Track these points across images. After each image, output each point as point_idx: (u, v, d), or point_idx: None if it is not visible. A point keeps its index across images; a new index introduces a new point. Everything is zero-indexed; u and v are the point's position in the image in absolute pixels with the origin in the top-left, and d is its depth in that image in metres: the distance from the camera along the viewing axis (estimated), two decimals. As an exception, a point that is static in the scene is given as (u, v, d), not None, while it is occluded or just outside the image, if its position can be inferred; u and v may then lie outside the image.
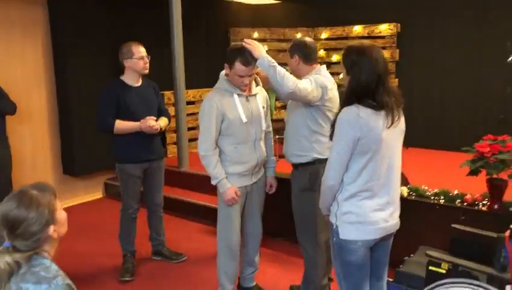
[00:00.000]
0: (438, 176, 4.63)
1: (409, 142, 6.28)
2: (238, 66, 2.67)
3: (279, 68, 2.56)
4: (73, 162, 5.23)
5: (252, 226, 3.08)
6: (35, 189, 1.50)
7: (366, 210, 2.11)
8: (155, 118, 3.46)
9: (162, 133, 3.65)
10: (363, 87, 2.05)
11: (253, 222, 3.07)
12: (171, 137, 6.04)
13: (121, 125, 3.36)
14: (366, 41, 2.28)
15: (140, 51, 3.41)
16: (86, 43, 5.14)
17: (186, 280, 3.52)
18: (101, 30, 5.23)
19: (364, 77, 2.04)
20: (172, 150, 6.06)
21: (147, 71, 3.47)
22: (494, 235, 2.27)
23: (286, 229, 3.84)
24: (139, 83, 3.51)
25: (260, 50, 2.63)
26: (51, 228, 1.49)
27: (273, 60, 2.59)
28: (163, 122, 3.56)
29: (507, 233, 2.15)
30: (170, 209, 4.83)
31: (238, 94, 2.80)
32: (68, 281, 1.47)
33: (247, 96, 2.84)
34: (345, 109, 2.08)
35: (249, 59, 2.65)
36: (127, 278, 3.50)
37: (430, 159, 5.78)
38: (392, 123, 2.07)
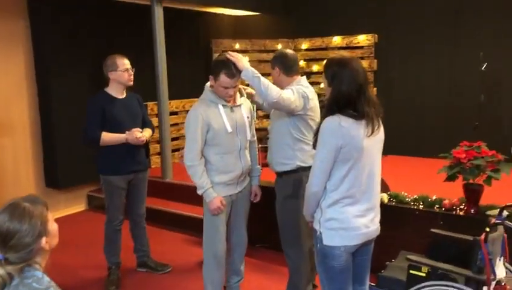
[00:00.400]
0: (417, 182, 4.75)
1: (387, 150, 6.45)
2: (223, 78, 2.74)
3: (263, 79, 2.65)
4: (56, 175, 5.19)
5: (237, 235, 3.12)
6: (27, 201, 1.53)
7: (348, 216, 2.18)
8: (140, 130, 3.50)
9: (146, 145, 3.68)
10: (344, 98, 2.13)
11: (239, 230, 3.11)
12: (154, 148, 6.04)
13: (107, 137, 3.37)
14: (346, 54, 2.37)
15: (125, 63, 3.45)
16: (68, 55, 5.15)
17: (171, 289, 3.54)
18: (83, 42, 5.24)
19: (345, 88, 2.12)
20: (155, 160, 6.07)
21: (132, 83, 3.51)
22: (471, 238, 2.36)
23: (270, 238, 3.91)
24: (124, 95, 3.54)
25: (244, 62, 2.71)
26: (43, 240, 1.52)
27: (256, 71, 2.67)
28: (147, 133, 3.60)
29: (483, 236, 2.24)
30: (154, 221, 4.83)
31: (223, 105, 2.86)
32: None
33: (231, 107, 2.90)
34: (328, 119, 2.15)
35: (233, 71, 2.72)
36: (112, 290, 3.50)
37: (409, 166, 5.92)
38: (372, 132, 2.15)
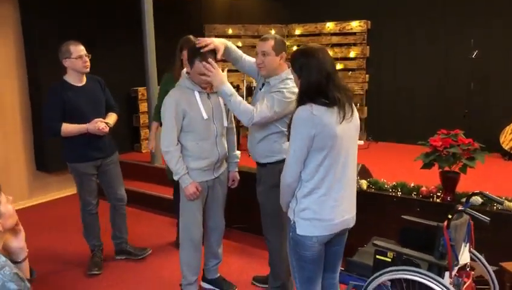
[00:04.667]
0: (402, 169, 4.78)
1: (378, 136, 6.56)
2: (199, 65, 2.75)
3: (239, 98, 2.67)
4: (46, 158, 5.26)
5: (214, 220, 3.17)
6: None
7: (322, 206, 2.17)
8: (103, 120, 3.44)
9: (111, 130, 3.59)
10: (314, 87, 2.13)
11: (216, 215, 3.16)
12: (145, 133, 6.10)
13: (68, 128, 3.32)
14: (313, 43, 2.36)
15: (79, 50, 3.34)
16: (58, 39, 5.10)
17: (153, 272, 3.62)
18: (72, 26, 5.24)
19: (313, 77, 2.12)
20: (146, 145, 6.13)
21: (88, 70, 3.41)
22: (435, 224, 2.39)
23: (245, 220, 3.99)
24: (83, 82, 3.44)
25: (219, 79, 2.68)
26: None
27: (231, 90, 2.68)
28: (112, 119, 3.55)
29: (445, 223, 2.27)
30: (143, 204, 4.93)
31: (199, 91, 2.88)
32: (16, 270, 1.54)
33: (208, 94, 2.92)
34: (300, 108, 2.14)
35: (209, 58, 2.73)
36: (95, 272, 3.56)
37: (398, 153, 5.95)
38: (344, 118, 2.14)
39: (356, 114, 2.26)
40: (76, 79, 3.42)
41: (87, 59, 3.39)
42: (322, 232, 2.20)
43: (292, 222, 2.25)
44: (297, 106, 2.19)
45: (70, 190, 5.65)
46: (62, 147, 3.48)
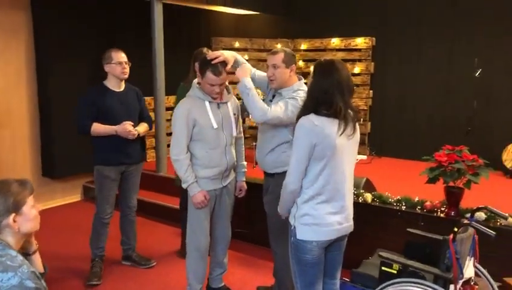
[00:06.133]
0: (405, 184, 4.79)
1: (381, 151, 6.59)
2: (209, 75, 2.82)
3: (257, 95, 2.75)
4: (53, 165, 5.30)
5: (221, 229, 3.19)
6: (16, 181, 1.64)
7: (321, 213, 2.27)
8: (132, 124, 3.52)
9: (141, 138, 3.70)
10: (321, 91, 2.21)
11: (222, 225, 3.18)
12: (150, 142, 6.15)
13: (98, 128, 3.43)
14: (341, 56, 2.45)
15: (119, 56, 3.50)
16: (68, 49, 5.24)
17: (156, 280, 3.62)
18: (83, 36, 5.34)
19: (325, 82, 2.21)
20: (151, 154, 6.17)
21: (126, 76, 3.55)
22: (441, 237, 2.43)
23: (247, 228, 4.02)
24: (121, 88, 3.58)
25: (244, 71, 2.82)
26: (11, 217, 1.60)
27: (251, 84, 2.77)
28: (142, 128, 3.63)
29: (451, 236, 2.31)
30: (147, 213, 4.95)
31: (209, 101, 2.94)
32: (33, 269, 1.58)
33: (218, 104, 2.98)
34: (302, 118, 2.25)
35: (219, 69, 2.81)
36: (94, 282, 3.53)
37: (400, 168, 6.00)
38: (344, 130, 2.22)
39: (358, 132, 2.36)
40: (114, 84, 3.54)
41: (126, 66, 3.53)
42: (320, 237, 2.29)
43: (292, 227, 2.34)
44: (300, 115, 2.27)
45: (75, 197, 5.70)
46: (93, 149, 3.57)
